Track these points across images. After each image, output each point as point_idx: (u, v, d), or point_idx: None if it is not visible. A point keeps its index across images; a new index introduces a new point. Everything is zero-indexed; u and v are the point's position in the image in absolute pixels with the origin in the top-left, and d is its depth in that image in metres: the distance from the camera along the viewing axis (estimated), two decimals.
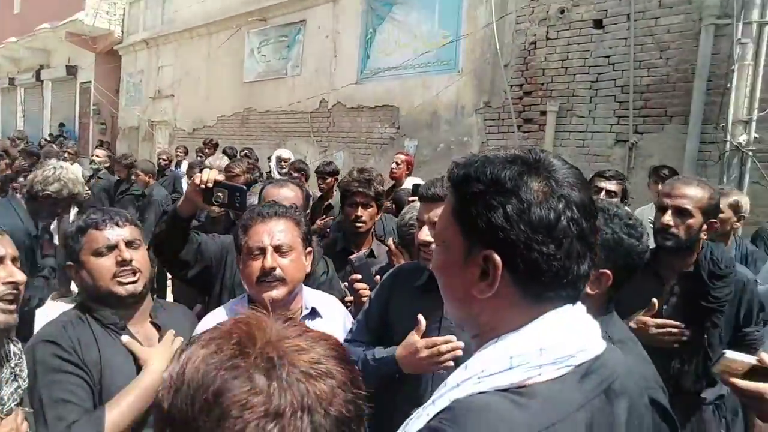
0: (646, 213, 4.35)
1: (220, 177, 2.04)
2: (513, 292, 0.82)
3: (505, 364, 0.79)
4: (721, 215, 2.95)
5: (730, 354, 1.29)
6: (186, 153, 9.23)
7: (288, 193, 2.43)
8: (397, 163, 5.45)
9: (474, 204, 0.83)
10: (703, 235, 2.16)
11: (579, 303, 0.87)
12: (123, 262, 1.61)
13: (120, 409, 1.45)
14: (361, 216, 2.79)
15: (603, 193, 3.30)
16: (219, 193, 1.98)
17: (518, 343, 0.81)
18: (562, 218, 0.80)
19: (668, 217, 2.12)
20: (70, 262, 1.66)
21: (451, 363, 1.64)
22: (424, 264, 1.83)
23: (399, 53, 8.33)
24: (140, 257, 1.67)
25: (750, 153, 4.51)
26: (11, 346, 1.38)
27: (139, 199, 5.73)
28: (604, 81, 6.10)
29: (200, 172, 5.42)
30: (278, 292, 1.70)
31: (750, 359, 1.27)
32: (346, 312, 2.06)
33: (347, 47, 9.23)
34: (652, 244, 2.55)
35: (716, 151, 4.89)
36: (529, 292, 0.82)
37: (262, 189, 2.56)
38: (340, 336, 1.91)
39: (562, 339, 0.81)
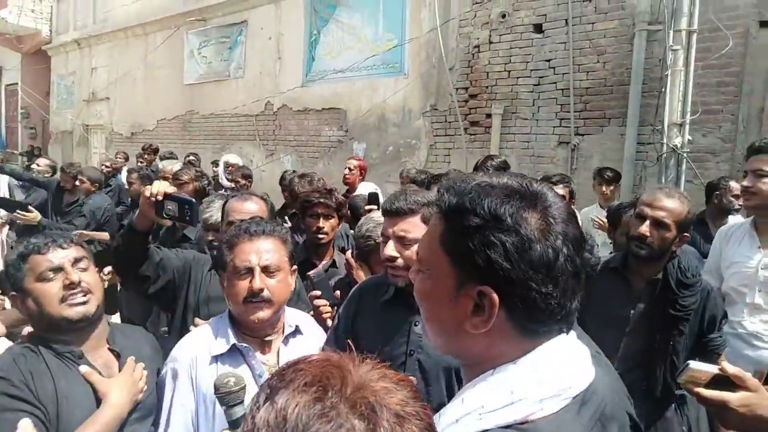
0: (590, 213, 4.53)
1: (171, 189, 1.98)
2: (508, 328, 0.81)
3: (506, 399, 0.79)
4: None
5: (694, 365, 1.34)
6: (126, 159, 8.88)
7: (252, 207, 2.36)
8: (350, 169, 5.40)
9: (470, 238, 0.80)
10: (674, 247, 2.23)
11: (571, 331, 0.87)
12: (71, 285, 1.52)
13: None
14: (323, 227, 2.77)
15: None
16: (169, 206, 1.92)
17: (517, 375, 0.81)
18: (560, 256, 0.79)
19: (645, 228, 2.18)
20: (13, 293, 1.56)
21: None
22: (391, 280, 1.82)
23: (345, 56, 8.30)
24: (89, 277, 1.58)
25: (685, 154, 4.75)
26: None
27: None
28: (545, 84, 6.30)
29: (146, 182, 5.22)
30: (265, 314, 1.66)
31: (713, 369, 1.33)
32: (320, 328, 2.04)
33: (291, 49, 9.12)
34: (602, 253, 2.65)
35: (653, 152, 5.13)
36: (524, 327, 0.81)
37: (225, 202, 2.49)
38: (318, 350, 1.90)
39: (559, 371, 0.81)
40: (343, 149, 8.34)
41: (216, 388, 1.15)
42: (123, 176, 7.93)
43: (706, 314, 2.27)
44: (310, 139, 9.00)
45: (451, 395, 1.77)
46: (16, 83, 16.43)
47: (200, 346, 1.69)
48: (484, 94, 6.83)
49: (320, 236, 2.77)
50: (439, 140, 7.34)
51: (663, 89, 4.86)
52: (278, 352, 1.75)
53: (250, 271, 1.66)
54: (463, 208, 0.82)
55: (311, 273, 2.45)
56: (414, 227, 1.75)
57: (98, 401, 1.49)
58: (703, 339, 2.30)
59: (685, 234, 2.24)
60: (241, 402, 1.16)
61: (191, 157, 7.54)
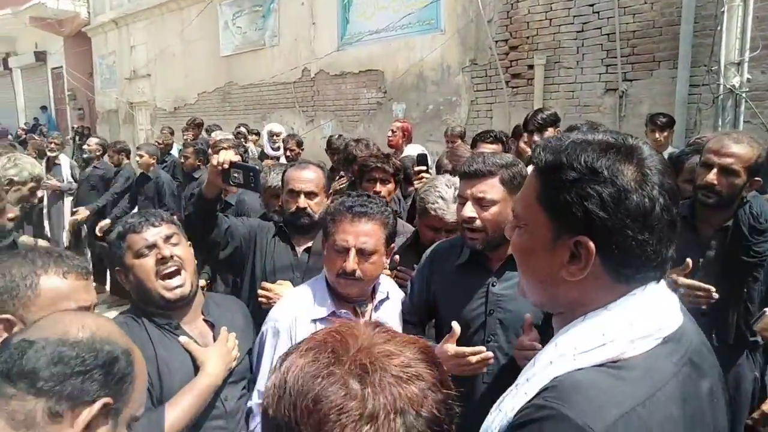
0: None
1: (236, 158, 2.07)
2: (603, 274, 0.84)
3: (598, 341, 0.82)
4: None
5: None
6: (172, 133, 9.06)
7: (311, 175, 2.40)
8: (393, 131, 5.36)
9: (567, 191, 0.83)
10: (744, 192, 2.17)
11: (662, 280, 0.89)
12: (163, 259, 1.64)
13: (179, 410, 1.49)
14: (380, 192, 2.80)
15: None
16: (235, 174, 2.03)
17: (609, 319, 0.84)
18: (657, 206, 0.81)
19: (713, 176, 2.12)
20: (118, 267, 1.71)
21: (484, 369, 1.67)
22: (468, 243, 1.84)
23: (379, 16, 8.17)
24: (180, 251, 1.69)
25: (743, 95, 4.52)
26: None
27: (140, 183, 5.72)
28: (589, 30, 6.05)
29: (201, 156, 5.36)
30: (354, 290, 1.78)
31: None
32: (402, 292, 2.11)
33: (325, 13, 9.03)
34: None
35: (708, 93, 4.90)
36: (619, 274, 0.85)
37: (284, 172, 2.55)
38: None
39: (650, 313, 0.84)
40: (383, 111, 8.29)
41: None
42: (175, 151, 8.14)
43: None
44: (349, 103, 8.97)
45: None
46: (61, 66, 16.91)
47: (300, 308, 1.79)
48: (525, 45, 6.62)
49: None
50: (480, 96, 7.20)
51: (718, 26, 4.60)
52: (371, 318, 1.83)
53: (346, 250, 1.74)
54: (560, 163, 0.85)
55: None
56: (492, 188, 1.76)
57: (195, 369, 1.61)
58: None
59: (756, 179, 2.16)
60: None
61: (241, 128, 7.63)
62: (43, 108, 18.34)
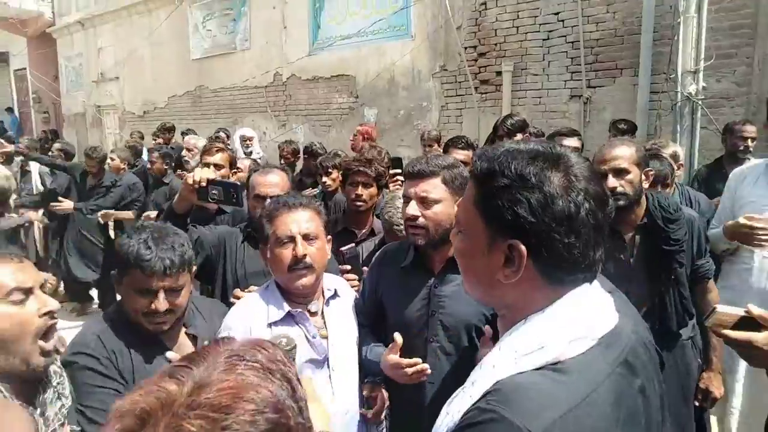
0: None
1: (212, 175, 2.10)
2: (536, 277, 0.90)
3: (537, 344, 0.87)
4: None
5: (720, 308, 1.42)
6: (142, 138, 8.96)
7: (275, 179, 2.47)
8: (353, 134, 5.68)
9: (499, 197, 0.89)
10: (645, 185, 2.34)
11: (595, 281, 0.95)
12: (155, 311, 1.61)
13: None
14: (361, 195, 2.85)
15: None
16: (214, 191, 2.05)
17: (546, 323, 0.89)
18: (581, 210, 0.87)
19: (611, 181, 2.27)
20: (113, 272, 1.69)
21: (422, 378, 1.75)
22: (411, 239, 1.92)
23: (350, 21, 8.24)
24: (179, 301, 1.66)
25: (699, 101, 4.73)
26: (51, 366, 1.38)
27: (109, 191, 5.62)
28: (555, 38, 6.23)
29: (168, 160, 5.31)
30: (308, 280, 1.79)
31: (738, 311, 1.41)
32: (352, 290, 2.16)
33: (296, 17, 9.05)
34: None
35: (667, 100, 5.10)
36: (551, 276, 0.90)
37: (248, 177, 2.61)
38: (353, 311, 2.03)
39: (584, 315, 0.90)
40: (355, 116, 8.36)
41: None
42: (145, 156, 8.05)
43: (694, 242, 2.43)
44: (321, 108, 9.01)
45: (473, 350, 1.87)
46: (25, 68, 16.51)
47: (254, 315, 1.81)
48: (493, 52, 6.78)
49: (358, 203, 2.86)
50: (451, 101, 7.33)
51: (675, 36, 4.80)
52: (323, 314, 1.89)
53: (291, 239, 1.78)
54: (493, 170, 0.91)
55: (343, 249, 2.57)
56: (435, 188, 1.84)
57: None
58: (693, 266, 2.45)
59: (648, 170, 2.36)
60: (293, 360, 1.26)
61: (220, 132, 7.57)
62: (9, 110, 17.85)
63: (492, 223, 0.91)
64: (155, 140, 8.14)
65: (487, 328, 1.71)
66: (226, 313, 2.00)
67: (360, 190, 2.86)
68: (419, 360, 1.73)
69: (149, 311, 1.61)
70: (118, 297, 1.79)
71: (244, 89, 10.18)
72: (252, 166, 3.79)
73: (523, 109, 6.41)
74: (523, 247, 0.87)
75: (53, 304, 1.31)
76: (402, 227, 2.33)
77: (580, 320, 0.89)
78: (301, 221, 1.81)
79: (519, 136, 3.65)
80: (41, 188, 6.72)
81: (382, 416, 1.96)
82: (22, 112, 17.79)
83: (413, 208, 1.85)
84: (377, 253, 2.19)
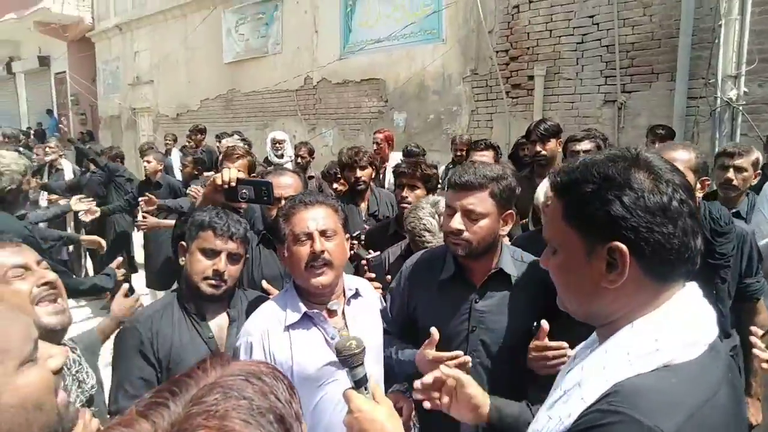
0: None
1: (241, 175, 2.09)
2: (641, 277, 0.90)
3: (652, 346, 0.86)
4: (745, 174, 3.09)
5: None
6: (175, 140, 9.12)
7: (288, 180, 2.45)
8: (378, 144, 5.77)
9: (588, 203, 0.90)
10: (698, 194, 2.21)
11: (693, 282, 0.95)
12: (216, 272, 1.82)
13: None
14: (407, 197, 2.84)
15: (580, 154, 3.33)
16: (244, 190, 2.03)
17: (659, 325, 0.89)
18: (674, 200, 0.88)
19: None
20: (183, 242, 1.89)
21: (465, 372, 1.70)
22: (452, 249, 1.85)
23: (382, 25, 8.25)
24: (234, 270, 1.88)
25: (740, 107, 4.58)
26: (70, 355, 1.45)
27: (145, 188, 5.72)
28: (589, 42, 6.12)
29: (200, 165, 5.40)
30: (327, 278, 1.74)
31: None
32: (375, 292, 2.11)
33: (328, 21, 9.11)
34: None
35: (705, 106, 4.96)
36: (655, 272, 0.90)
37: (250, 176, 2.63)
38: (377, 312, 1.98)
39: (696, 321, 0.90)
40: (384, 120, 8.36)
41: (339, 351, 1.21)
42: (174, 156, 8.18)
43: (743, 258, 2.31)
44: (351, 112, 9.04)
45: (513, 370, 1.79)
46: (64, 71, 17.00)
47: (271, 319, 1.78)
48: (525, 56, 6.70)
49: (403, 205, 2.85)
50: (481, 105, 7.26)
51: (716, 39, 4.67)
52: (344, 314, 1.84)
53: (309, 236, 1.74)
54: (576, 180, 0.93)
55: (369, 256, 2.55)
56: (482, 202, 1.77)
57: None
58: (740, 284, 2.33)
59: (704, 178, 2.23)
60: (362, 363, 1.22)
61: (236, 135, 7.70)
62: (49, 112, 18.41)
63: (587, 231, 0.92)
64: (187, 141, 8.28)
65: (543, 323, 1.65)
66: None
67: (406, 192, 2.85)
68: (461, 352, 1.65)
69: (213, 272, 1.81)
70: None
71: (275, 93, 10.28)
72: (263, 169, 3.84)
73: (555, 114, 6.31)
74: (624, 247, 0.88)
75: (51, 275, 1.46)
76: (424, 239, 2.29)
77: (692, 325, 0.90)
78: (318, 218, 1.77)
79: (553, 142, 3.57)
80: None
81: (410, 425, 1.89)
82: (61, 114, 18.31)
83: (458, 222, 1.78)
84: (407, 262, 2.10)
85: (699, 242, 0.91)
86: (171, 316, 1.84)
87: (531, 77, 6.63)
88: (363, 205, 3.79)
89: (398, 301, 2.01)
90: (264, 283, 2.27)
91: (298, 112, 9.89)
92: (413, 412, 1.88)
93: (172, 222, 5.45)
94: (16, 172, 3.16)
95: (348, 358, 1.21)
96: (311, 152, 6.00)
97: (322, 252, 1.72)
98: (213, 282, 1.82)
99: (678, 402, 0.81)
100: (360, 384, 1.22)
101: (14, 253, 1.42)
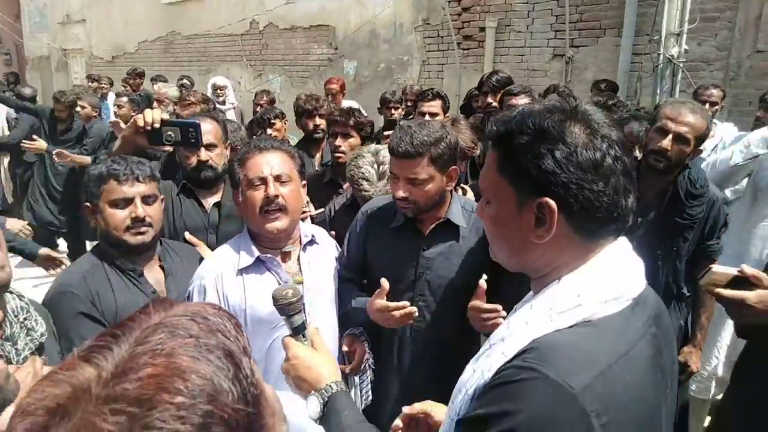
0: None
1: (165, 116, 1.94)
2: (569, 233, 0.88)
3: (573, 302, 0.86)
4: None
5: (716, 268, 1.48)
6: (111, 84, 8.63)
7: (207, 127, 2.32)
8: (333, 94, 5.66)
9: (521, 155, 0.88)
10: (687, 160, 2.27)
11: (622, 237, 0.94)
12: (136, 218, 1.70)
13: None
14: (340, 146, 2.82)
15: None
16: (170, 132, 1.89)
17: (582, 281, 0.88)
18: (607, 157, 0.86)
19: (667, 142, 2.20)
20: (87, 203, 1.73)
21: (409, 322, 1.78)
22: (402, 211, 1.91)
23: None
24: (154, 212, 1.75)
25: (681, 64, 4.74)
26: (14, 302, 1.38)
27: (80, 139, 5.37)
28: None
29: (135, 106, 5.12)
30: (282, 223, 1.74)
31: (732, 271, 1.47)
32: (332, 239, 2.13)
33: None
34: None
35: (649, 62, 5.10)
36: (583, 229, 0.88)
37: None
38: (333, 260, 2.00)
39: (619, 274, 0.89)
40: (334, 68, 8.18)
41: (275, 300, 1.21)
42: (110, 100, 7.77)
43: (709, 222, 2.38)
44: (299, 59, 8.79)
45: (459, 315, 1.88)
46: None
47: (224, 262, 1.78)
48: (477, 7, 6.65)
49: (338, 155, 2.83)
50: (432, 56, 7.21)
51: None
52: (299, 260, 1.85)
53: (263, 181, 1.73)
54: (511, 131, 0.90)
55: (312, 213, 2.57)
56: (423, 169, 1.81)
57: None
58: (701, 245, 2.41)
59: (700, 147, 2.28)
60: (300, 311, 1.23)
61: (184, 80, 7.36)
62: None
63: (518, 184, 0.90)
64: (124, 85, 7.86)
65: (481, 282, 1.72)
66: (198, 257, 2.00)
67: (339, 141, 2.83)
68: (407, 303, 1.73)
69: (132, 220, 1.69)
70: (88, 246, 1.81)
71: (219, 37, 9.84)
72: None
73: (506, 66, 6.34)
74: (552, 203, 0.86)
75: None
76: (362, 187, 2.31)
77: (616, 280, 0.89)
78: (273, 163, 1.75)
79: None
80: (7, 132, 6.47)
81: (364, 367, 1.96)
82: None
83: (402, 190, 1.83)
84: (363, 208, 2.13)
85: (631, 201, 0.90)
86: (104, 276, 1.71)
87: (482, 29, 6.60)
88: (318, 156, 3.72)
89: (354, 245, 2.05)
90: (187, 234, 2.22)
91: (243, 57, 9.53)
92: (366, 354, 1.94)
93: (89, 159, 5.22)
94: None
95: (285, 307, 1.22)
96: (272, 102, 5.79)
97: (276, 197, 1.71)
98: (136, 230, 1.71)
99: (590, 359, 0.80)
100: (298, 331, 1.23)
101: None
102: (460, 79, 6.82)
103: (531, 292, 0.99)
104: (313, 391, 1.15)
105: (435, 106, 3.82)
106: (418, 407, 1.25)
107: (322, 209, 2.66)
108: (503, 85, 3.61)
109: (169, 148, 2.46)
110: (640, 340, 0.87)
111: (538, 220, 0.89)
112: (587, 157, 0.85)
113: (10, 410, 1.15)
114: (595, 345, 0.83)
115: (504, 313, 1.68)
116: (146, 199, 1.73)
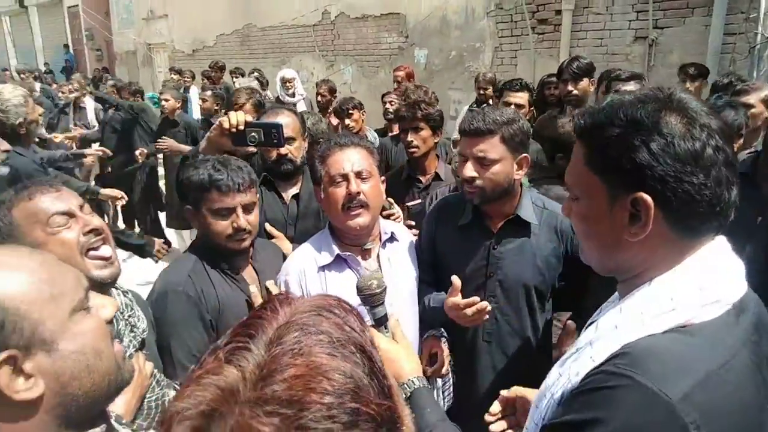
0: None
1: (249, 118, 1.99)
2: (665, 230, 0.83)
3: (667, 306, 0.81)
4: (753, 110, 2.94)
5: None
6: (193, 77, 9.00)
7: (286, 120, 2.35)
8: (399, 82, 5.54)
9: (612, 148, 0.83)
10: None
11: (721, 236, 0.88)
12: (238, 228, 1.72)
13: None
14: (412, 141, 2.77)
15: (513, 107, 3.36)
16: (253, 133, 1.95)
17: (677, 283, 0.83)
18: (708, 147, 0.80)
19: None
20: (189, 207, 1.78)
21: (484, 318, 1.70)
22: (467, 196, 1.87)
23: None
24: (253, 219, 1.78)
25: None
26: (119, 298, 1.44)
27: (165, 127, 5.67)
28: None
29: (219, 101, 5.30)
30: (364, 219, 1.75)
31: None
32: (411, 235, 2.13)
33: None
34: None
35: (743, 43, 4.75)
36: (682, 226, 0.83)
37: (257, 118, 2.55)
38: (413, 257, 1.99)
39: (718, 277, 0.83)
40: (404, 57, 8.14)
41: (359, 290, 1.23)
42: (192, 93, 8.11)
43: None
44: (370, 48, 8.81)
45: (530, 312, 1.86)
46: (77, 5, 16.67)
47: (307, 259, 1.83)
48: None
49: (411, 149, 2.79)
50: (505, 42, 7.03)
51: None
52: (378, 257, 1.87)
53: (344, 177, 1.75)
54: (600, 123, 0.85)
55: (409, 204, 2.56)
56: (493, 148, 1.77)
57: (250, 309, 1.70)
58: None
59: None
60: (383, 303, 1.24)
61: (255, 73, 7.57)
62: (66, 47, 18.18)
63: (610, 179, 0.85)
64: (204, 80, 8.16)
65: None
66: (280, 254, 2.06)
67: (410, 136, 2.79)
68: (477, 299, 1.68)
69: (234, 230, 1.71)
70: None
71: (292, 28, 10.02)
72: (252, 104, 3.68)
73: (583, 51, 6.08)
74: (648, 198, 0.81)
75: (96, 221, 1.37)
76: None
77: (714, 283, 0.83)
78: (354, 159, 1.77)
79: (585, 81, 3.46)
80: (96, 125, 6.87)
81: (445, 371, 1.92)
82: (76, 49, 18.09)
83: (470, 170, 1.79)
84: (433, 206, 2.12)
85: (734, 194, 0.82)
86: (206, 275, 1.76)
87: (558, 12, 6.36)
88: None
89: (426, 245, 2.04)
90: (267, 226, 2.26)
91: (316, 48, 9.67)
92: (448, 357, 1.92)
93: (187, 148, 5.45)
94: (18, 105, 3.10)
95: (368, 297, 1.23)
96: (332, 91, 5.84)
97: (358, 193, 1.73)
98: (238, 238, 1.74)
99: (689, 366, 0.75)
100: (380, 323, 1.24)
101: (56, 198, 1.31)
102: (534, 66, 6.62)
103: (616, 294, 0.95)
104: None
105: (522, 97, 3.73)
106: (515, 390, 1.24)
107: (418, 200, 2.65)
108: (584, 72, 3.45)
109: (253, 149, 2.53)
110: (741, 349, 0.81)
111: (632, 217, 0.84)
112: (686, 147, 0.79)
113: (126, 395, 1.25)
114: (692, 352, 0.78)
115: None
116: (246, 208, 1.75)
